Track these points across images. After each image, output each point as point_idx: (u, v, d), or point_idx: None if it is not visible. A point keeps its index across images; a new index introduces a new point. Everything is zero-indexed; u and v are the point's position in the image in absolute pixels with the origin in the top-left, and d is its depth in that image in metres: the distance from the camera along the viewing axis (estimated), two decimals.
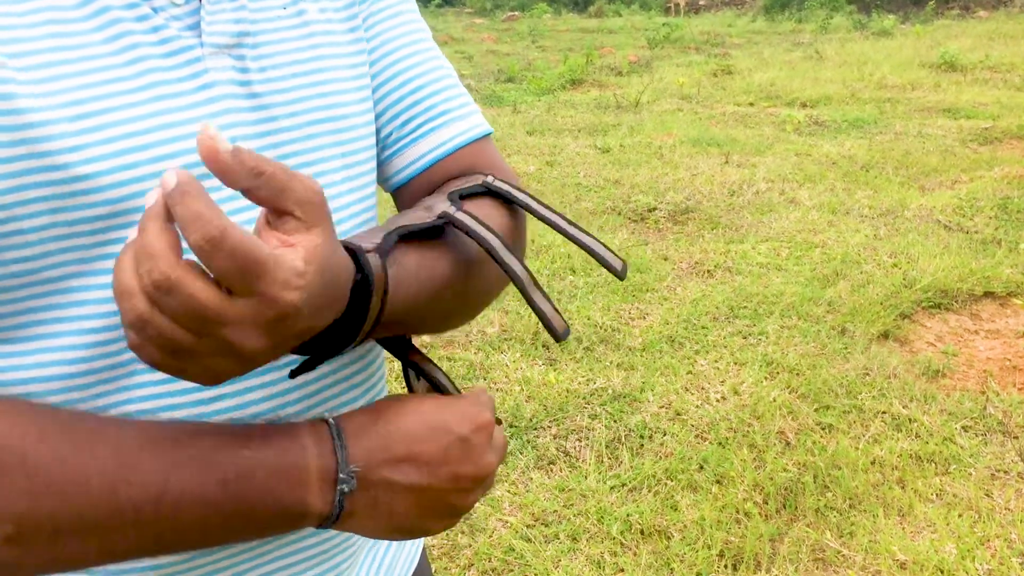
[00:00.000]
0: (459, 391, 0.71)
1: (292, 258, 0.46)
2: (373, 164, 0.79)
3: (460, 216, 0.67)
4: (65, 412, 0.58)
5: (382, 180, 0.82)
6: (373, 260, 0.56)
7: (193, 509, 0.55)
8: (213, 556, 0.68)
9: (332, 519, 0.60)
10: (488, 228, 0.67)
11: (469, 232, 0.67)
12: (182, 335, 0.46)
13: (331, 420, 0.61)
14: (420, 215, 0.67)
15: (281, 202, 0.47)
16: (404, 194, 0.80)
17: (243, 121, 0.67)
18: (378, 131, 0.79)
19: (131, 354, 0.61)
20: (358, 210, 0.75)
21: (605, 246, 0.74)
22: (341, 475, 0.58)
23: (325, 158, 0.72)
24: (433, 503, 0.63)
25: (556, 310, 0.68)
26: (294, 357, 0.62)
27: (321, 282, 0.48)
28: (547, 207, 0.75)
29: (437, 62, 0.82)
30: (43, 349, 0.61)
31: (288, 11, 0.71)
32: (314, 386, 0.71)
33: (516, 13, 22.50)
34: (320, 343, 0.57)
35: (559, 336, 0.67)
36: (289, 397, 0.68)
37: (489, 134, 0.83)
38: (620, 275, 0.74)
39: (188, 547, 0.58)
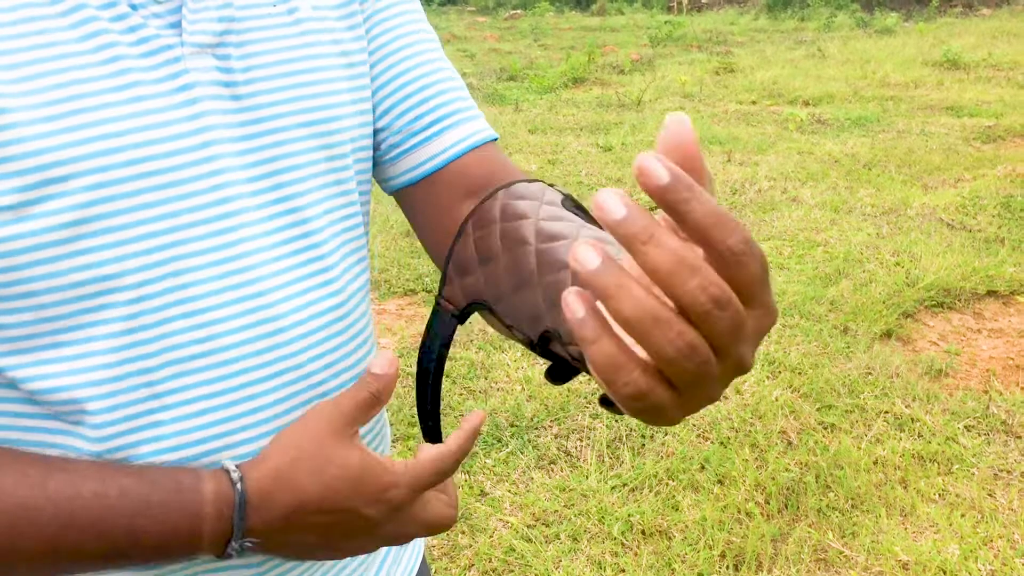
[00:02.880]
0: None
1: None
2: (367, 165, 0.78)
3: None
4: None
5: (384, 179, 0.81)
6: None
7: (84, 558, 0.59)
8: (216, 564, 0.68)
9: (227, 554, 0.62)
10: None
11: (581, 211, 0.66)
12: (711, 358, 0.40)
13: (238, 487, 0.61)
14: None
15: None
16: (415, 194, 0.79)
17: (225, 123, 0.65)
18: (380, 130, 0.78)
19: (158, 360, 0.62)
20: (344, 214, 0.74)
21: None
22: (233, 544, 0.61)
23: (312, 161, 0.70)
24: (332, 544, 0.67)
25: None
26: None
27: None
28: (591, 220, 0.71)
29: (443, 63, 0.81)
30: (78, 355, 0.61)
31: (278, 8, 0.70)
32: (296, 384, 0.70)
33: (518, 11, 22.48)
34: None
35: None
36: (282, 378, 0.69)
37: (496, 139, 0.82)
38: None
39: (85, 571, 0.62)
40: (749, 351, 0.41)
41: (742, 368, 0.42)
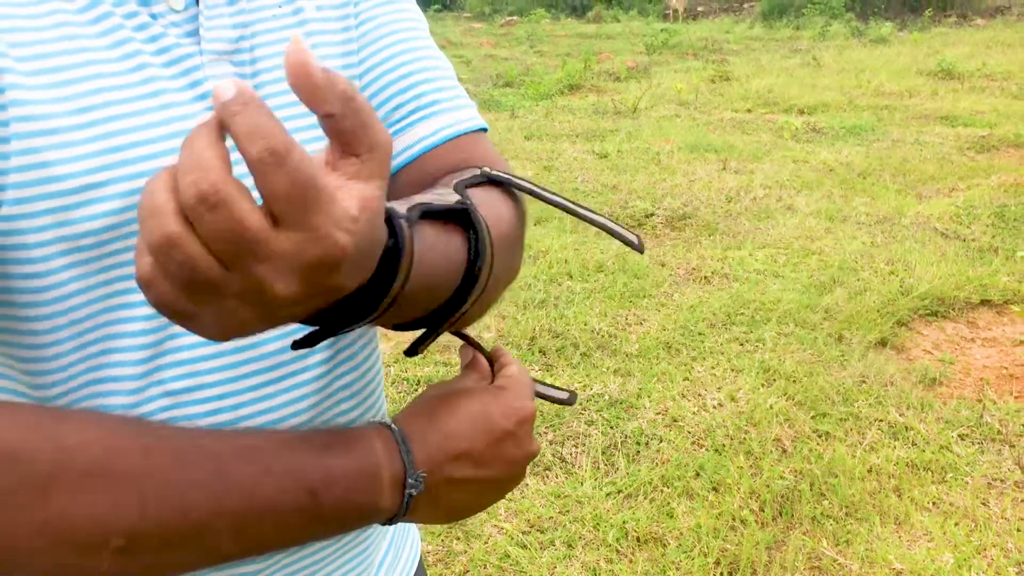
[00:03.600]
0: (489, 358, 0.75)
1: (347, 201, 0.41)
2: None
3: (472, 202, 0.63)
4: (155, 424, 0.60)
5: None
6: (405, 228, 0.51)
7: (283, 516, 0.57)
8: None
9: (399, 516, 0.63)
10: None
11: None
12: (210, 265, 0.39)
13: (394, 427, 0.63)
14: (433, 198, 0.61)
15: (357, 139, 0.42)
16: (392, 184, 0.78)
17: None
18: None
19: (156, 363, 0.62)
20: None
21: (616, 223, 0.75)
22: (409, 480, 0.61)
23: None
24: (486, 489, 0.68)
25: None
26: (294, 355, 0.66)
27: (368, 237, 0.43)
28: (552, 192, 0.74)
29: (429, 52, 0.79)
30: (103, 365, 0.61)
31: (284, 9, 0.71)
32: (315, 397, 0.70)
33: (514, 18, 22.52)
34: (337, 312, 0.51)
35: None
36: (290, 409, 0.69)
37: (483, 129, 0.80)
38: (639, 248, 0.76)
39: (270, 550, 0.60)
40: (275, 275, 0.40)
41: (265, 295, 0.41)
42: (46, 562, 0.51)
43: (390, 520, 0.63)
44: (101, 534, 0.51)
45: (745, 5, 22.88)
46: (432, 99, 0.77)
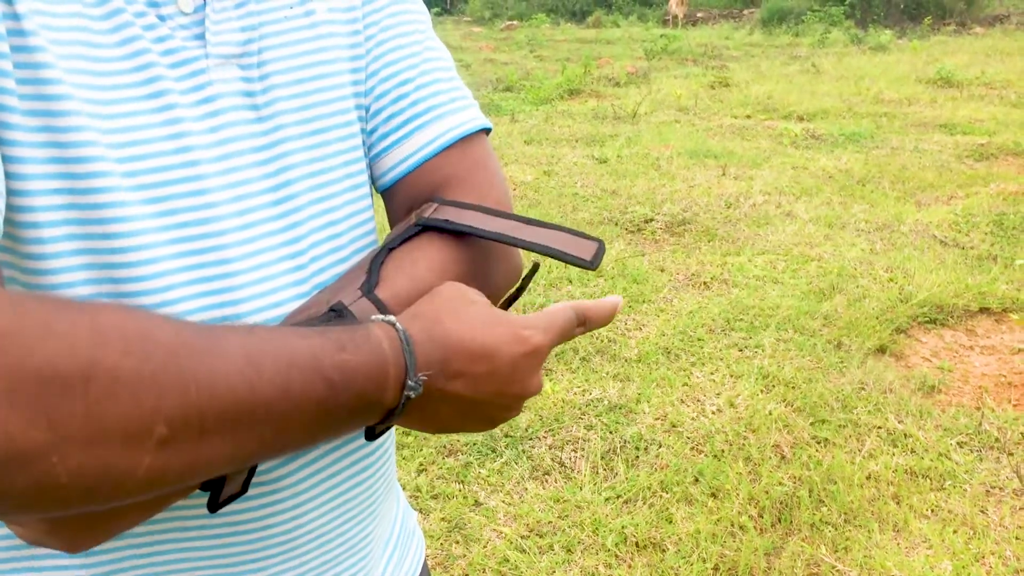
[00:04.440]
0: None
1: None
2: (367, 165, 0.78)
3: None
4: (181, 318, 0.58)
5: (372, 179, 0.80)
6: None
7: (307, 407, 0.56)
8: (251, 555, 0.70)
9: (395, 415, 0.62)
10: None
11: (446, 228, 0.71)
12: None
13: (398, 326, 0.62)
14: (304, 316, 0.67)
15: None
16: (392, 196, 0.78)
17: (247, 134, 0.66)
18: (367, 131, 0.77)
19: None
20: (360, 220, 0.75)
21: (573, 232, 0.73)
22: (409, 382, 0.61)
23: (331, 167, 0.71)
24: (474, 413, 0.66)
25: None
26: None
27: None
28: (501, 215, 0.73)
29: (429, 54, 0.78)
30: None
31: (296, 11, 0.70)
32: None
33: (514, 22, 22.54)
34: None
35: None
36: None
37: (481, 130, 0.79)
38: (590, 266, 0.73)
39: (292, 447, 0.59)
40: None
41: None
42: (88, 460, 0.46)
43: (383, 420, 0.62)
44: (147, 420, 0.48)
45: (745, 12, 22.92)
46: (429, 105, 0.76)
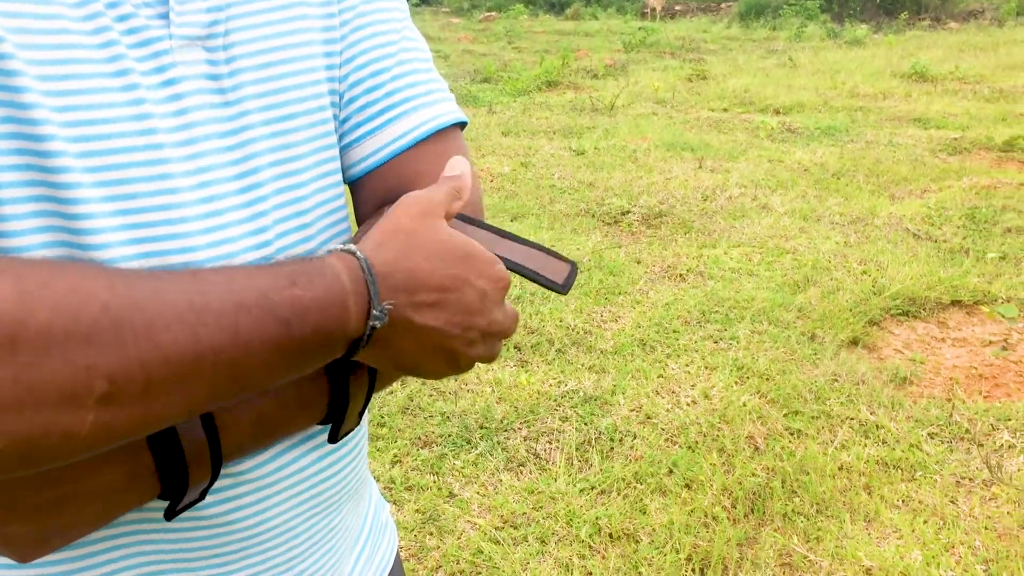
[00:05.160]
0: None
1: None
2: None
3: None
4: (115, 267, 0.56)
5: (341, 168, 0.78)
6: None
7: (261, 349, 0.54)
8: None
9: (362, 344, 0.60)
10: None
11: None
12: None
13: (359, 254, 0.60)
14: None
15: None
16: (361, 188, 0.76)
17: (212, 119, 0.64)
18: (339, 119, 0.75)
19: None
20: (330, 208, 0.73)
21: (548, 251, 0.72)
22: (374, 311, 0.59)
23: (300, 155, 0.70)
24: (440, 347, 0.64)
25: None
26: None
27: None
28: (479, 225, 0.72)
29: (405, 45, 0.77)
30: None
31: None
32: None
33: (493, 14, 22.49)
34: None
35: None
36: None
37: (456, 124, 0.78)
38: (562, 290, 0.72)
39: (250, 389, 0.57)
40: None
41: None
42: (23, 425, 0.46)
43: (348, 352, 0.60)
44: (83, 379, 0.47)
45: (722, 5, 22.99)
46: (404, 96, 0.75)
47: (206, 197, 0.64)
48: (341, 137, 0.75)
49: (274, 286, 0.55)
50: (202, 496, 0.64)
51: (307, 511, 0.76)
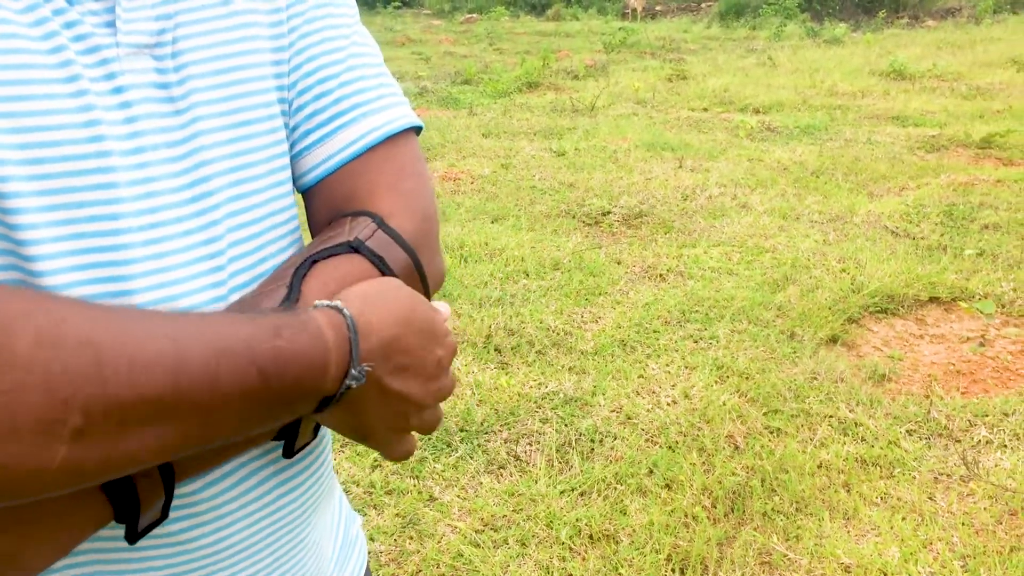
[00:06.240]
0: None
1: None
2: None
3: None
4: (98, 302, 0.55)
5: (293, 177, 0.77)
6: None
7: (237, 398, 0.54)
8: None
9: (329, 404, 0.61)
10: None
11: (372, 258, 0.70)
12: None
13: (346, 312, 0.60)
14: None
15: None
16: (314, 197, 0.75)
17: (161, 128, 0.63)
18: (289, 127, 0.74)
19: None
20: (283, 219, 0.73)
21: None
22: (353, 371, 0.59)
23: (252, 163, 0.69)
24: (401, 413, 0.66)
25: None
26: None
27: None
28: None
29: (355, 50, 0.76)
30: None
31: (213, 0, 0.68)
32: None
33: (474, 15, 22.48)
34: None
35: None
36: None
37: (410, 128, 0.77)
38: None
39: (218, 438, 0.56)
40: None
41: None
42: None
43: (317, 409, 0.61)
44: (59, 411, 0.46)
45: (703, 5, 23.05)
46: (353, 103, 0.74)
47: (150, 208, 0.63)
48: (292, 145, 0.74)
49: (258, 336, 0.55)
50: (164, 515, 0.64)
51: (270, 527, 0.74)
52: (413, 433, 0.71)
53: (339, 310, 0.60)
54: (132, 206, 0.62)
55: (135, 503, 0.60)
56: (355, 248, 0.68)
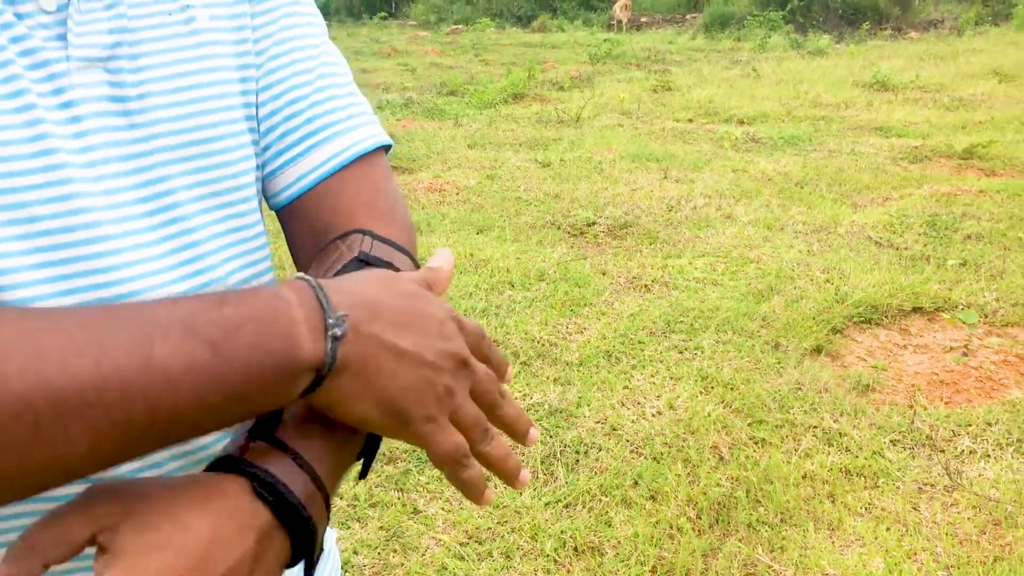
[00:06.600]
0: None
1: None
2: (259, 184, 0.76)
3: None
4: (13, 306, 0.52)
5: (266, 196, 0.77)
6: None
7: (184, 377, 0.48)
8: None
9: (327, 367, 0.53)
10: None
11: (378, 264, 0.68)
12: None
13: (307, 276, 0.55)
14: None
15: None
16: (291, 216, 0.75)
17: (115, 141, 0.63)
18: (261, 146, 0.74)
19: None
20: (252, 234, 0.72)
21: None
22: (330, 320, 0.53)
23: (215, 179, 0.69)
24: (421, 376, 0.58)
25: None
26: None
27: None
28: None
29: (324, 69, 0.76)
30: None
31: (175, 17, 0.68)
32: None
33: (460, 27, 22.54)
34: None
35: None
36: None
37: (380, 147, 0.77)
38: None
39: (189, 422, 0.51)
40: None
41: None
42: None
43: (318, 377, 0.54)
44: None
45: (688, 16, 23.19)
46: (325, 122, 0.74)
47: (120, 218, 0.62)
48: (264, 165, 0.74)
49: (199, 308, 0.51)
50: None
51: None
52: (494, 440, 0.64)
53: (300, 278, 0.56)
54: (105, 215, 0.61)
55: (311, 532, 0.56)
56: (365, 260, 0.67)
